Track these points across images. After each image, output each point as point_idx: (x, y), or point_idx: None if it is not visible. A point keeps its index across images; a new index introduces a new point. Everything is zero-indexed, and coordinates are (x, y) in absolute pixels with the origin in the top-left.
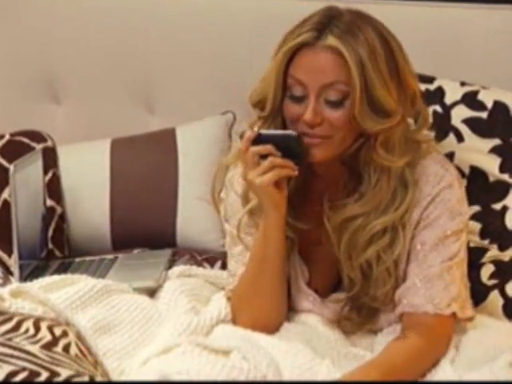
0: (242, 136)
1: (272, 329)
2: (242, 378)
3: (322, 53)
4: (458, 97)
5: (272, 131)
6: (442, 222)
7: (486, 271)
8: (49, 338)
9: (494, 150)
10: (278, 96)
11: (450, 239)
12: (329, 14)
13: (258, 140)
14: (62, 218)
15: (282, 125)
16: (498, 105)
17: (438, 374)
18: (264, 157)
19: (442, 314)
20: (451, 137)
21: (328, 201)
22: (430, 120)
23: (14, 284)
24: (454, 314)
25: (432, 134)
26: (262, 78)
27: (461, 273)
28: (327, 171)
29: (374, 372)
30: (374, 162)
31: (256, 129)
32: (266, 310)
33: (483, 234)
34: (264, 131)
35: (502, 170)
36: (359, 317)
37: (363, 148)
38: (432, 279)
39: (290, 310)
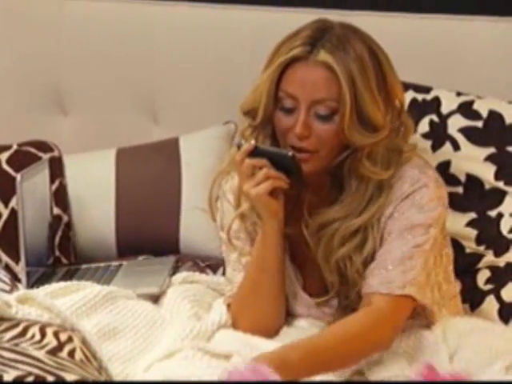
0: (238, 147)
1: (272, 333)
2: None
3: (315, 68)
4: (454, 106)
5: (268, 147)
6: (410, 215)
7: (482, 276)
8: (54, 343)
9: (490, 158)
10: (269, 107)
11: (417, 230)
12: (320, 28)
13: (254, 153)
14: (69, 225)
15: (272, 134)
16: (492, 114)
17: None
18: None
19: (393, 295)
20: (447, 145)
21: (308, 209)
22: (413, 130)
23: (21, 290)
24: (411, 299)
25: (428, 143)
26: (254, 88)
27: (423, 261)
28: (312, 180)
29: (293, 353)
30: (359, 172)
31: (253, 141)
32: (266, 315)
33: (479, 241)
34: (261, 145)
35: (497, 177)
36: None
37: (348, 159)
38: (393, 263)
39: (288, 315)
